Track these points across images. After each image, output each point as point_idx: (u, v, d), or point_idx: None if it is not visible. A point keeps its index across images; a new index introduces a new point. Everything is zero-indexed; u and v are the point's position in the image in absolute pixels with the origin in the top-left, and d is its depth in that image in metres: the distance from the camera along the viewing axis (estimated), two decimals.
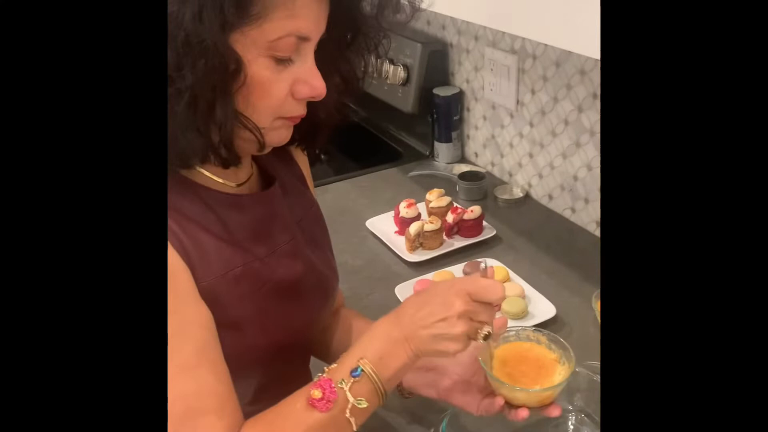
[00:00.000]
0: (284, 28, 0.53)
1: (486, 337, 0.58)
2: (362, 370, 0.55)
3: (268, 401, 0.58)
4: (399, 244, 1.17)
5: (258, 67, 0.54)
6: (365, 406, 0.55)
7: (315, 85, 0.57)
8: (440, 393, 0.69)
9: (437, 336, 0.56)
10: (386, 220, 1.24)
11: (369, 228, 1.23)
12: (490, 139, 1.41)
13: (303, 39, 0.55)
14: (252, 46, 0.53)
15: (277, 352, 0.65)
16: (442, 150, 1.49)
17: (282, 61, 0.55)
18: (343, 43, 0.63)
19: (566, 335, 0.93)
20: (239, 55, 0.52)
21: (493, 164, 1.43)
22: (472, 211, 1.18)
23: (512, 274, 1.05)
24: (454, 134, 1.47)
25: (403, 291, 1.03)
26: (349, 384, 0.55)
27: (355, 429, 0.56)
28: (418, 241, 1.15)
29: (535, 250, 1.15)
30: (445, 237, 1.17)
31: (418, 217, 1.20)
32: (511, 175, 1.38)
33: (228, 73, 0.51)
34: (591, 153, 1.14)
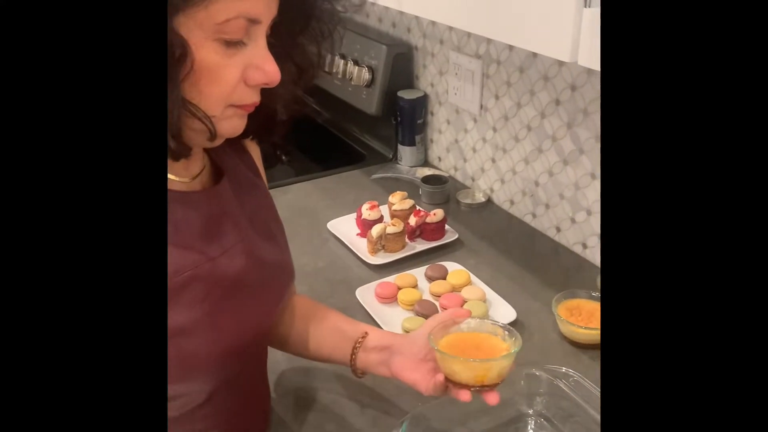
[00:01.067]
0: (232, 10, 0.50)
1: None
2: None
3: (221, 403, 0.56)
4: (360, 247, 1.15)
5: (206, 52, 0.51)
6: None
7: (268, 70, 0.55)
8: (392, 371, 0.69)
9: None
10: (348, 223, 1.23)
11: (330, 230, 1.22)
12: (453, 143, 1.41)
13: (253, 21, 0.53)
14: (198, 30, 0.50)
15: (231, 355, 0.62)
16: (406, 153, 1.48)
17: (232, 45, 0.52)
18: (296, 29, 0.61)
19: (527, 339, 0.93)
20: (185, 40, 0.49)
21: (456, 168, 1.43)
22: (434, 214, 1.17)
23: (473, 278, 1.05)
24: (417, 138, 1.47)
25: (364, 294, 1.01)
26: None
27: None
28: (380, 244, 1.14)
29: (496, 254, 1.15)
30: (407, 240, 1.16)
31: (380, 220, 1.19)
32: (473, 179, 1.38)
33: (173, 58, 0.49)
34: (552, 159, 1.15)
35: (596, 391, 0.76)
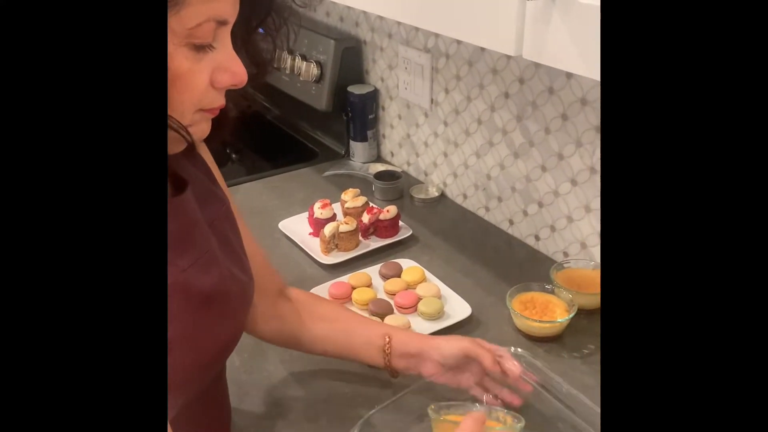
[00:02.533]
0: (203, 13, 0.48)
1: None
2: None
3: (189, 417, 0.54)
4: (313, 246, 1.13)
5: (178, 59, 0.49)
6: None
7: (236, 71, 0.53)
8: (422, 374, 0.74)
9: None
10: (300, 222, 1.20)
11: (282, 230, 1.19)
12: (405, 138, 1.40)
13: (222, 23, 0.51)
14: (171, 36, 0.48)
15: (205, 368, 0.61)
16: (358, 149, 1.46)
17: (201, 49, 0.50)
18: (253, 25, 0.60)
19: (482, 334, 0.93)
20: None
21: (408, 163, 1.42)
22: (388, 211, 1.16)
23: (428, 274, 1.04)
24: (369, 133, 1.45)
25: (318, 293, 0.99)
26: None
27: None
28: (333, 243, 1.12)
29: (450, 249, 1.14)
30: (360, 238, 1.15)
31: (333, 218, 1.17)
32: (426, 174, 1.37)
33: None
34: (503, 152, 1.15)
35: (548, 371, 0.76)
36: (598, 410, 0.70)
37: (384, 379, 0.81)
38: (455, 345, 0.72)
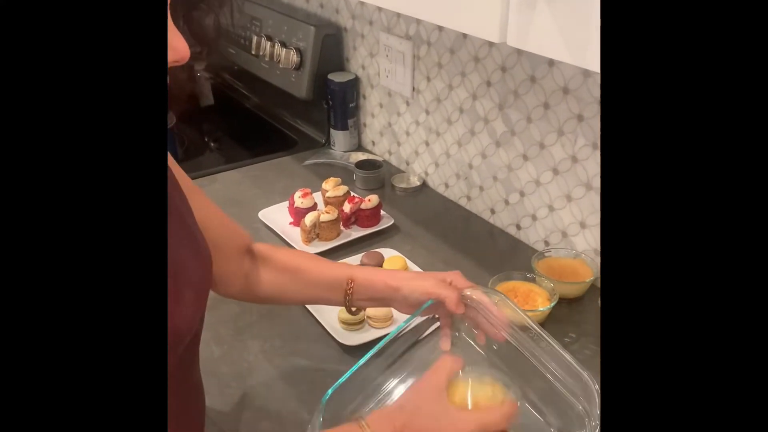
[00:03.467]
0: None
1: None
2: None
3: None
4: (294, 236, 1.11)
5: None
6: None
7: (177, 47, 0.50)
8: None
9: None
10: (280, 211, 1.19)
11: (262, 219, 1.17)
12: (386, 126, 1.39)
13: None
14: None
15: (172, 349, 0.59)
16: (339, 138, 1.45)
17: None
18: (194, 0, 0.58)
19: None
20: None
21: (390, 152, 1.41)
22: (369, 200, 1.15)
23: (410, 264, 1.03)
24: (350, 122, 1.43)
25: None
26: None
27: None
28: (314, 232, 1.10)
29: (432, 238, 1.14)
30: (342, 227, 1.14)
31: (313, 208, 1.15)
32: (408, 163, 1.36)
33: None
34: (485, 141, 1.15)
35: (523, 313, 0.72)
36: (567, 356, 0.67)
37: None
38: (418, 288, 0.70)
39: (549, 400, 0.69)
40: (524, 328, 0.70)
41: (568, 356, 0.67)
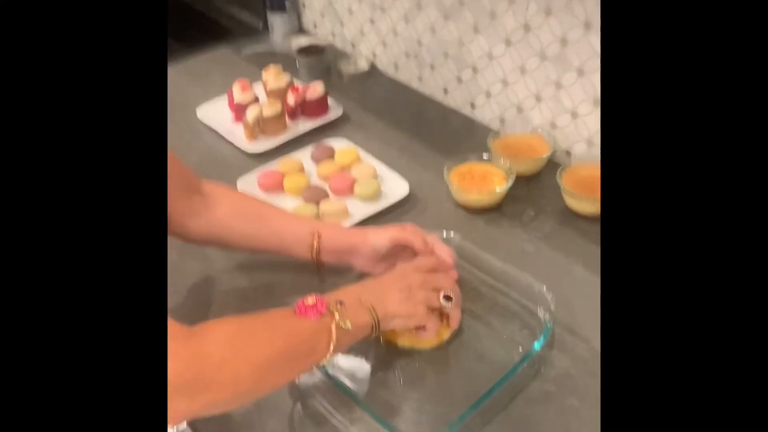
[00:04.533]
0: None
1: (447, 299, 0.67)
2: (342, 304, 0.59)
3: None
4: (237, 134, 1.05)
5: None
6: (349, 327, 0.58)
7: None
8: (353, 267, 0.75)
9: (406, 299, 0.63)
10: (219, 108, 1.11)
11: (201, 119, 1.09)
12: (328, 5, 1.28)
13: None
14: None
15: None
16: (277, 22, 1.33)
17: None
18: None
19: (421, 212, 0.90)
20: None
21: (333, 35, 1.31)
22: (314, 89, 1.07)
23: (363, 154, 0.99)
24: (288, 2, 1.31)
25: (246, 185, 0.93)
26: (336, 306, 0.58)
27: (331, 350, 0.57)
28: (258, 128, 1.04)
29: (384, 125, 1.08)
30: (287, 121, 1.07)
31: (255, 101, 1.07)
32: (353, 45, 1.27)
33: None
34: (433, 14, 1.07)
35: (476, 250, 0.76)
36: (535, 285, 0.71)
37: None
38: (383, 236, 0.72)
39: (497, 312, 0.73)
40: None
41: (522, 276, 0.73)
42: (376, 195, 0.90)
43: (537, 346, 0.65)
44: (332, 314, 0.58)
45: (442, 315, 0.69)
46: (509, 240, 0.84)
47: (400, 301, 0.64)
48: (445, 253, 0.71)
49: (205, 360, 0.49)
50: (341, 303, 0.59)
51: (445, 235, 0.78)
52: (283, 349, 0.55)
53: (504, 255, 0.80)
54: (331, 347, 0.57)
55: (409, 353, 0.69)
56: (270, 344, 0.54)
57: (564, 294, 0.73)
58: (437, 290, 0.67)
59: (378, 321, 0.61)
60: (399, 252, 0.73)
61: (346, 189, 0.91)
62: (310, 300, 0.58)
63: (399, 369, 0.68)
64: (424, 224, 0.86)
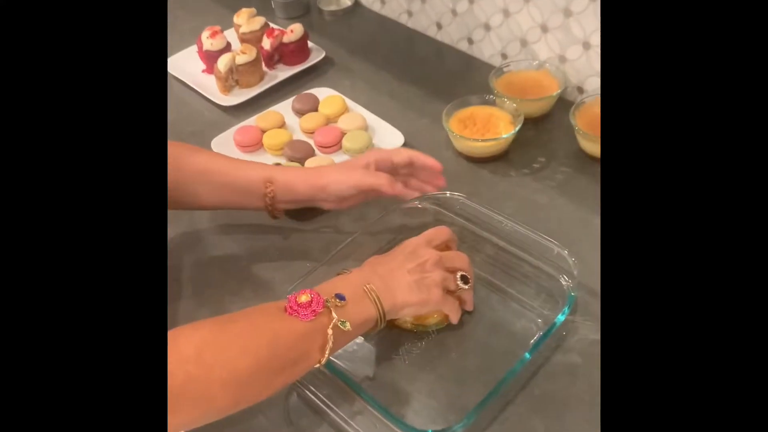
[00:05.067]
0: None
1: (464, 280, 0.58)
2: (343, 298, 0.51)
3: None
4: (209, 86, 0.94)
5: None
6: (348, 329, 0.50)
7: None
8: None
9: (418, 283, 0.55)
10: (189, 57, 0.99)
11: (170, 72, 0.98)
12: None
13: None
14: None
15: None
16: None
17: None
18: None
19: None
20: None
21: None
22: (291, 31, 0.96)
23: (350, 103, 0.88)
24: None
25: (222, 144, 0.83)
26: (334, 304, 0.50)
27: (326, 355, 0.49)
28: (232, 79, 0.93)
29: (372, 68, 0.97)
30: (264, 68, 0.96)
31: (227, 49, 0.96)
32: None
33: None
34: None
35: (483, 209, 0.68)
36: (554, 248, 0.63)
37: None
38: (346, 181, 0.65)
39: (512, 279, 0.65)
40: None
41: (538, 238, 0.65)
42: (367, 148, 0.81)
43: (560, 318, 0.57)
44: (329, 312, 0.49)
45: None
46: (519, 191, 0.75)
47: (411, 286, 0.55)
48: (430, 162, 0.66)
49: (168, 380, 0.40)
50: (341, 298, 0.51)
51: (449, 195, 0.69)
52: (266, 358, 0.46)
53: (514, 209, 0.72)
54: (327, 352, 0.49)
55: (414, 332, 0.61)
56: (250, 354, 0.45)
57: (583, 250, 0.65)
58: (453, 270, 0.58)
59: (383, 314, 0.53)
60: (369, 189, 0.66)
61: (333, 143, 0.82)
62: (304, 297, 0.49)
63: (404, 349, 0.60)
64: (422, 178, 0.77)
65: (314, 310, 0.49)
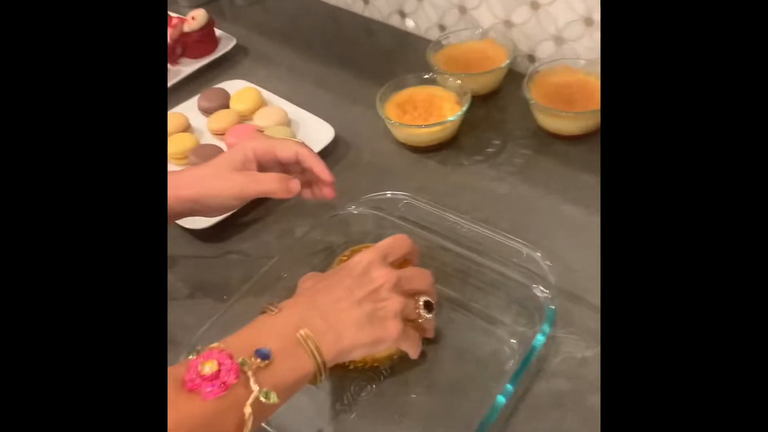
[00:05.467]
0: None
1: (428, 306, 0.46)
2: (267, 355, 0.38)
3: None
4: None
5: None
6: (274, 401, 0.37)
7: None
8: None
9: (371, 317, 0.43)
10: None
11: None
12: None
13: None
14: None
15: None
16: None
17: None
18: None
19: (353, 161, 0.68)
20: None
21: None
22: (193, 18, 0.82)
23: (267, 95, 0.75)
24: None
25: None
26: (254, 367, 0.37)
27: None
28: None
29: (293, 54, 0.85)
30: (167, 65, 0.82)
31: None
32: None
33: None
34: None
35: (433, 209, 0.56)
36: (523, 250, 0.52)
37: None
38: (222, 196, 0.52)
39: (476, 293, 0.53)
40: None
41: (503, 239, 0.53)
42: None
43: (540, 340, 0.46)
44: (247, 381, 0.36)
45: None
46: (474, 182, 0.64)
47: (361, 322, 0.42)
48: (318, 169, 0.53)
49: None
50: (264, 356, 0.37)
51: (389, 195, 0.57)
52: None
53: (470, 205, 0.60)
54: None
55: (361, 370, 0.49)
56: None
57: (556, 246, 0.54)
58: (413, 294, 0.46)
59: (324, 366, 0.40)
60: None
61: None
62: (209, 366, 0.35)
63: (349, 396, 0.48)
64: (360, 175, 0.65)
65: (224, 383, 0.35)
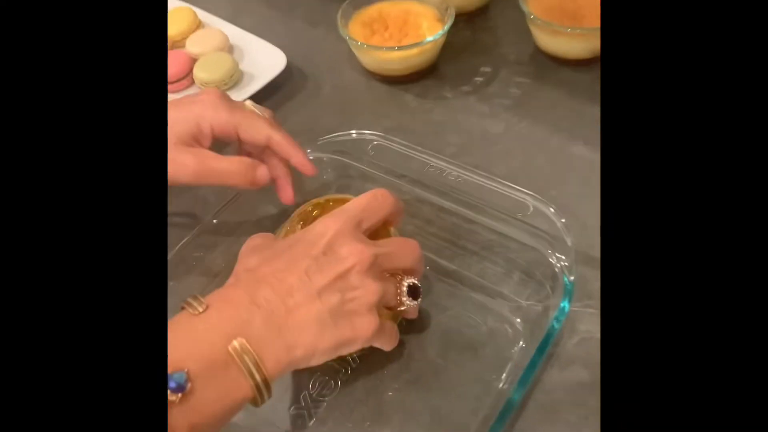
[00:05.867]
0: None
1: (412, 292, 0.35)
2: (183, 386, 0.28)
3: None
4: None
5: None
6: None
7: None
8: None
9: (336, 313, 0.31)
10: None
11: None
12: None
13: None
14: None
15: None
16: None
17: None
18: None
19: (311, 94, 0.56)
20: None
21: None
22: None
23: (204, 16, 0.61)
24: None
25: None
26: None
27: None
28: None
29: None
30: None
31: None
32: None
33: None
34: None
35: (411, 153, 0.45)
36: (515, 194, 0.41)
37: None
38: (176, 177, 0.40)
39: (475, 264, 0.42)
40: None
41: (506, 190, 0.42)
42: (232, 78, 0.55)
43: (557, 323, 0.35)
44: None
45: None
46: (461, 119, 0.52)
47: (324, 321, 0.31)
48: (297, 160, 0.42)
49: None
50: (178, 387, 0.27)
51: (354, 135, 0.45)
52: None
53: (457, 147, 0.49)
54: None
55: (341, 360, 0.38)
56: None
57: (567, 198, 0.43)
58: (395, 273, 0.35)
59: (267, 385, 0.30)
60: None
61: (181, 75, 0.55)
62: None
63: (308, 396, 0.37)
64: (319, 112, 0.53)
65: None
